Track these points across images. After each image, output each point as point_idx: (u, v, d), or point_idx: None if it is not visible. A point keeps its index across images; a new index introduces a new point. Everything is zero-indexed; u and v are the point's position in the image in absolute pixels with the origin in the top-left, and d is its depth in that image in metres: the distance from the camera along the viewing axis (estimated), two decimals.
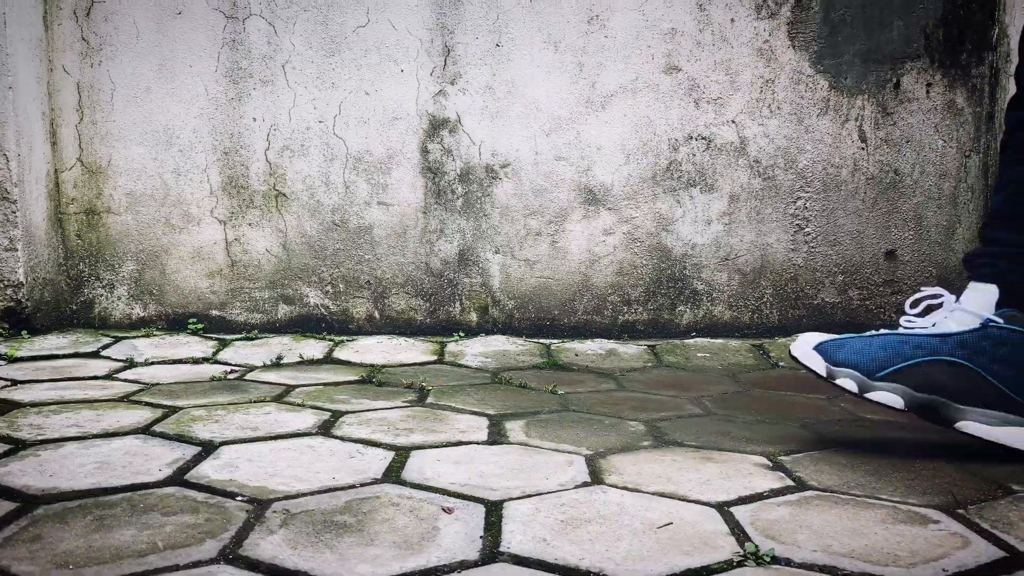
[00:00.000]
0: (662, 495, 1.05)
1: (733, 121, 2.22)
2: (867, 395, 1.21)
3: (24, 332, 2.09)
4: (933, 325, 1.25)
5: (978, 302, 1.24)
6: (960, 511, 1.02)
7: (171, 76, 2.21)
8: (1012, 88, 2.11)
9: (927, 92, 2.21)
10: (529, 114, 2.21)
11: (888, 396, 1.21)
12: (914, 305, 1.32)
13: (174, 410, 1.45)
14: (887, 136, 2.22)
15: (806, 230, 2.24)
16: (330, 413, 1.45)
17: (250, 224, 2.24)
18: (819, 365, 1.24)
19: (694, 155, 2.23)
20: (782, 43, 2.20)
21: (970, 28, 2.20)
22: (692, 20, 2.19)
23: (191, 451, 1.21)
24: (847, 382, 1.22)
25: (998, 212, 1.29)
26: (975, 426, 1.21)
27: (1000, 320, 1.21)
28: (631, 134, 2.22)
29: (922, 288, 1.34)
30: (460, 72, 2.21)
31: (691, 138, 2.22)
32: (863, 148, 2.23)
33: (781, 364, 1.99)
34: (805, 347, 1.27)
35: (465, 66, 2.21)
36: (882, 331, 1.27)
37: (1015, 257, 1.24)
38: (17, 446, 1.22)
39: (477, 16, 2.19)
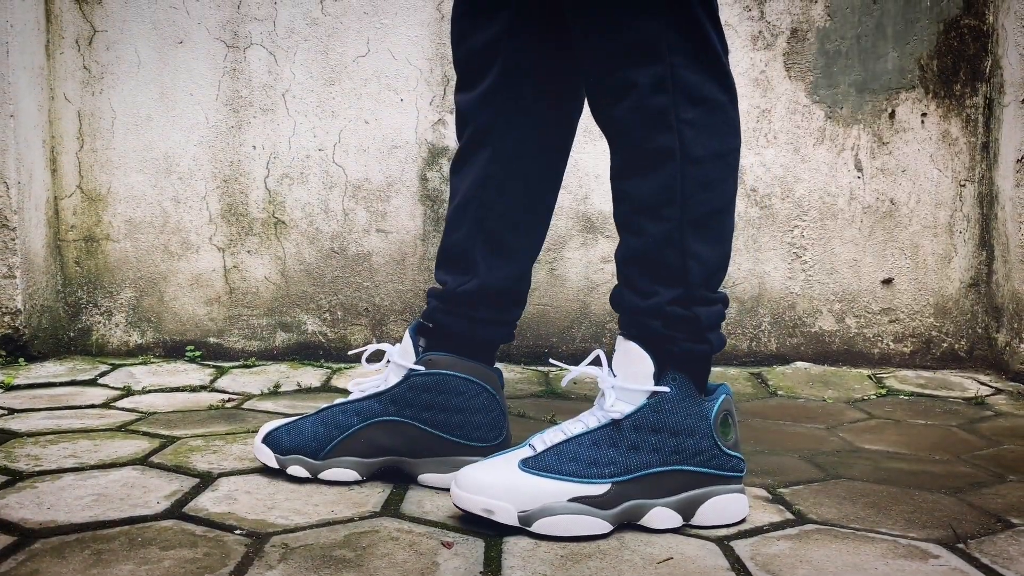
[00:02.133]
0: (662, 530, 1.05)
1: None
2: (320, 476, 1.19)
3: (21, 359, 2.08)
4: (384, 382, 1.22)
5: (406, 351, 1.21)
6: (960, 545, 1.02)
7: (172, 104, 2.22)
8: (1007, 119, 2.13)
9: (922, 122, 2.23)
10: None
11: (339, 472, 1.19)
12: (369, 361, 1.28)
13: (172, 440, 1.44)
14: (883, 165, 2.24)
15: (803, 258, 2.25)
16: None
17: (249, 251, 2.25)
18: (269, 457, 1.21)
19: None
20: (778, 73, 2.23)
21: (964, 60, 2.22)
22: None
23: (189, 483, 1.20)
24: (297, 469, 1.19)
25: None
26: (431, 477, 1.19)
27: (422, 368, 1.19)
28: None
29: (366, 346, 1.32)
30: None
31: None
32: (859, 177, 2.24)
33: (780, 393, 1.99)
34: (257, 440, 1.23)
35: None
36: (336, 401, 1.24)
37: (438, 294, 1.23)
38: (14, 478, 1.21)
39: None
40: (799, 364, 2.21)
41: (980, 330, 2.25)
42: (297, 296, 2.25)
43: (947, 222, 2.25)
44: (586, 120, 2.23)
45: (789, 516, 1.12)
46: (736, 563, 0.95)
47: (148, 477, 1.23)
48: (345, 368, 2.15)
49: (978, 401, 1.93)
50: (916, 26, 2.22)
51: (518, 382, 2.04)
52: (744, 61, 2.22)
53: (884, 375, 2.14)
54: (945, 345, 2.26)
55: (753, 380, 2.08)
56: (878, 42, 2.22)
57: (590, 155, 2.23)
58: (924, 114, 2.23)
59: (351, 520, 1.07)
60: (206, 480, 1.22)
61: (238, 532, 1.02)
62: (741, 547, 1.00)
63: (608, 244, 2.24)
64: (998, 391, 2.01)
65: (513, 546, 0.98)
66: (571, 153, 2.22)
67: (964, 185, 2.25)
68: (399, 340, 2.25)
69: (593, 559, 0.95)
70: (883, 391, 2.01)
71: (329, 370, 2.12)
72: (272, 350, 2.25)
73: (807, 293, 2.26)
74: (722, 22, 2.20)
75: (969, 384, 2.07)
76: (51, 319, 2.21)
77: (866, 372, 2.16)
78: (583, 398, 1.91)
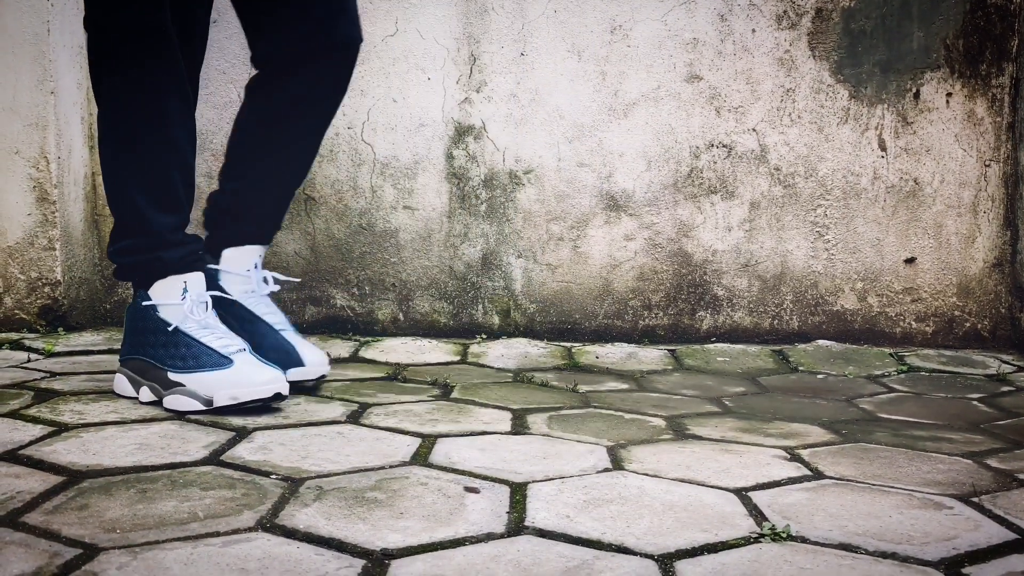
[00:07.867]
0: (681, 481, 1.08)
1: (754, 129, 2.25)
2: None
3: (60, 329, 2.15)
4: None
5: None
6: (974, 499, 1.05)
7: (205, 82, 2.27)
8: None
9: (947, 102, 2.23)
10: (552, 121, 2.26)
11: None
12: None
13: None
14: (907, 145, 2.25)
15: (826, 237, 2.27)
16: (358, 405, 1.49)
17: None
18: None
19: (715, 162, 2.26)
20: (803, 53, 2.24)
21: (990, 39, 2.22)
22: (714, 30, 2.23)
23: (225, 435, 1.25)
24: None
25: None
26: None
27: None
28: (653, 141, 2.26)
29: None
30: (485, 80, 2.26)
31: (712, 146, 2.26)
32: (883, 157, 2.25)
33: (801, 368, 2.01)
34: None
35: (490, 74, 2.26)
36: None
37: None
38: (60, 428, 1.27)
39: (502, 26, 2.24)
40: (820, 342, 2.23)
41: (1003, 310, 2.26)
42: (326, 271, 2.30)
43: (971, 202, 2.26)
44: (610, 100, 2.26)
45: (807, 472, 1.15)
46: (754, 510, 0.98)
47: (186, 430, 1.28)
48: (372, 341, 2.20)
49: (1000, 377, 1.94)
50: (942, 5, 2.22)
51: (541, 356, 2.07)
52: (768, 41, 2.23)
53: (906, 353, 2.15)
54: (968, 325, 2.27)
55: (774, 356, 2.11)
56: (903, 22, 2.23)
57: (615, 134, 2.25)
58: (949, 94, 2.23)
59: (382, 468, 1.11)
60: (241, 433, 1.27)
61: (274, 477, 1.06)
62: (759, 497, 1.03)
63: (632, 222, 2.27)
64: (1020, 369, 2.01)
65: (537, 491, 1.02)
66: (596, 132, 2.25)
67: (989, 165, 2.25)
68: (425, 315, 2.29)
69: (614, 504, 0.99)
70: (904, 368, 2.02)
71: (357, 342, 2.17)
72: (302, 323, 2.30)
73: (829, 272, 2.27)
74: (748, 2, 2.22)
75: (991, 362, 2.08)
76: (88, 291, 2.27)
77: (888, 351, 2.17)
78: (605, 371, 1.94)
